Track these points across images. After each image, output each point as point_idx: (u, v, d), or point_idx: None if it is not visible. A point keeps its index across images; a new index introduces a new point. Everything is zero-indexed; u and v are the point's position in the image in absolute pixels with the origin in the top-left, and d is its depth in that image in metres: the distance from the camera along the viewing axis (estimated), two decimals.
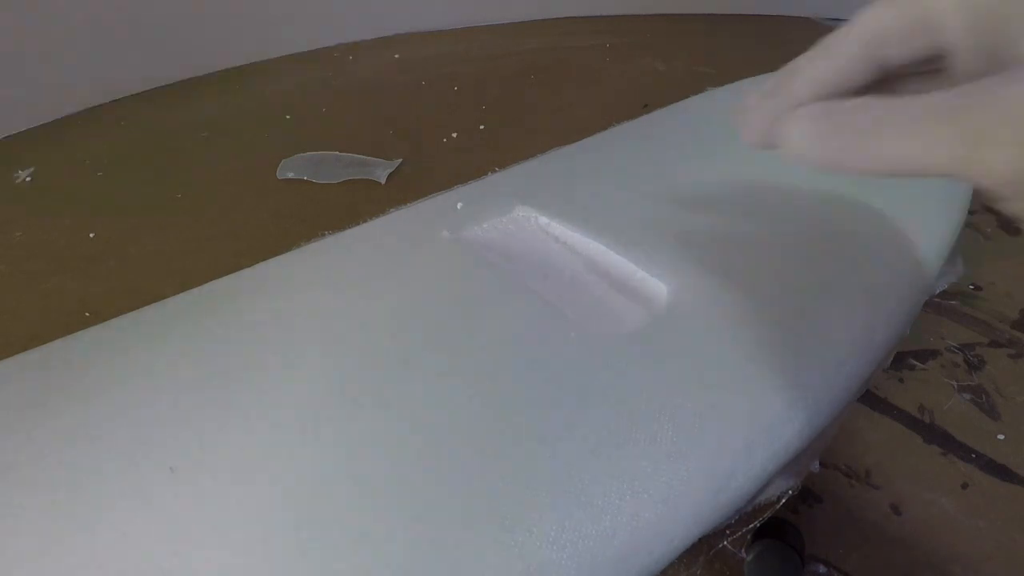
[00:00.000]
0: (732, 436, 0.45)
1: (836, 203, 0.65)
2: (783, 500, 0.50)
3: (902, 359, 0.62)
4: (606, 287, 0.58)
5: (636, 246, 0.59)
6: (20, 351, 0.53)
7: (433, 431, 0.45)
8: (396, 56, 1.21)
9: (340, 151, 0.93)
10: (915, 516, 0.50)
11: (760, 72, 0.96)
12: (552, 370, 0.48)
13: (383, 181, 0.87)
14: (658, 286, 0.56)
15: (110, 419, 0.46)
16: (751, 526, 0.48)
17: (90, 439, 0.45)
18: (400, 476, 0.42)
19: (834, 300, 0.55)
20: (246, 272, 0.60)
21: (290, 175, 0.89)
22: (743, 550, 0.47)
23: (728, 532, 0.48)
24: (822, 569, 0.47)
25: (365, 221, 0.68)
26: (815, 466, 0.52)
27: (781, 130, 0.27)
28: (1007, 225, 0.79)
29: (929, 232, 0.63)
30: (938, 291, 0.68)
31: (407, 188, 0.84)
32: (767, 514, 0.49)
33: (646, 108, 0.98)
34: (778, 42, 1.28)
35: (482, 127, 0.99)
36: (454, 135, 0.97)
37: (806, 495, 0.51)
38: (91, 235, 0.79)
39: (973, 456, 0.55)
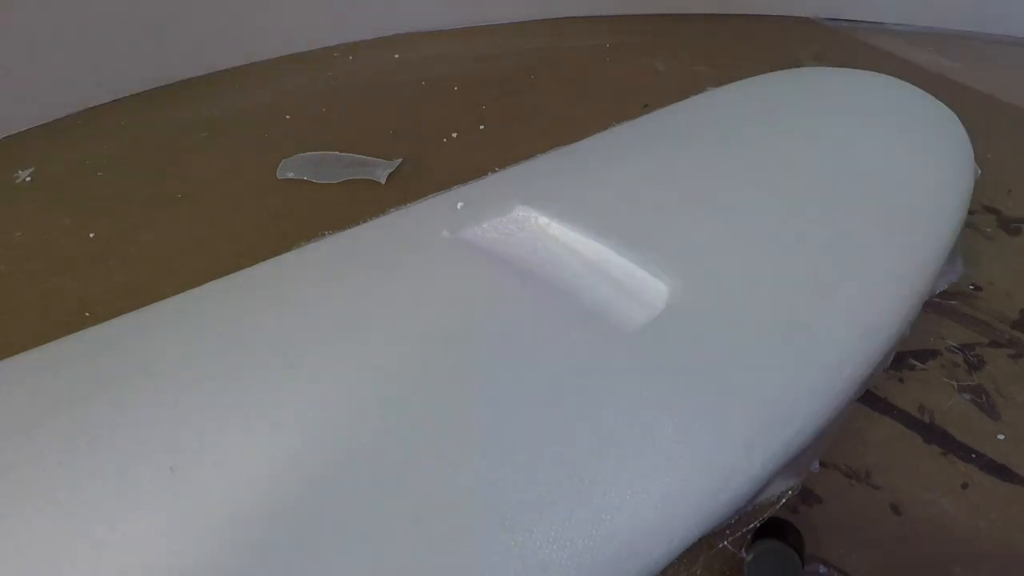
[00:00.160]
0: (732, 436, 0.45)
1: (836, 204, 0.65)
2: (783, 500, 0.50)
3: (902, 359, 0.62)
4: (606, 287, 0.58)
5: (636, 246, 0.59)
6: (20, 351, 0.53)
7: (433, 431, 0.45)
8: (396, 56, 1.21)
9: (340, 151, 0.93)
10: (915, 516, 0.50)
11: (760, 72, 0.96)
12: (552, 370, 0.48)
13: (383, 181, 0.87)
14: (658, 286, 0.56)
15: (110, 419, 0.46)
16: (751, 526, 0.48)
17: (90, 439, 0.45)
18: (400, 476, 0.42)
19: (834, 300, 0.55)
20: (246, 272, 0.60)
21: (290, 175, 0.88)
22: (743, 550, 0.47)
23: (728, 532, 0.48)
24: (822, 569, 0.47)
25: (365, 221, 0.68)
26: (815, 466, 0.52)
27: None
28: (1007, 225, 0.79)
29: (929, 232, 0.63)
30: (938, 291, 0.68)
31: (407, 188, 0.84)
32: (767, 514, 0.49)
33: (646, 108, 0.98)
34: (778, 42, 1.28)
35: (482, 127, 0.99)
36: (454, 135, 0.97)
37: (806, 495, 0.51)
38: (91, 235, 0.79)
39: (973, 456, 0.54)
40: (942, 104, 0.84)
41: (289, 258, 0.62)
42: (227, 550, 0.39)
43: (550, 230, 0.63)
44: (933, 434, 0.56)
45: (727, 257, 0.58)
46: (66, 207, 0.84)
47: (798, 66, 1.03)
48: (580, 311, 0.53)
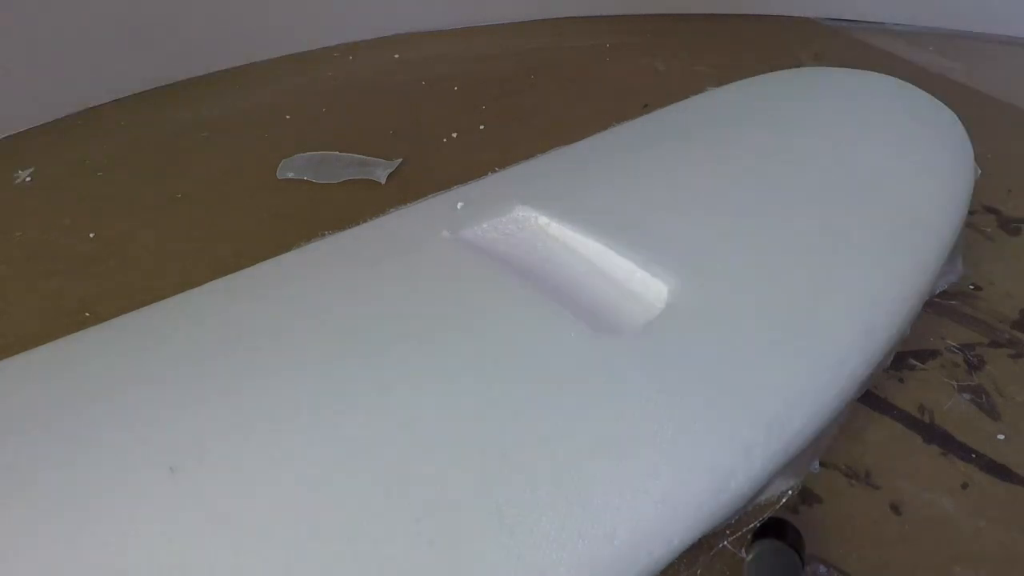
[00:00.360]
0: (732, 435, 0.45)
1: (836, 204, 0.65)
2: (783, 500, 0.50)
3: (902, 359, 0.62)
4: (606, 287, 0.58)
5: (636, 246, 0.59)
6: (20, 351, 0.53)
7: (433, 431, 0.45)
8: (396, 56, 1.21)
9: (340, 151, 0.93)
10: (915, 516, 0.50)
11: (760, 72, 0.96)
12: (552, 370, 0.48)
13: (383, 181, 0.87)
14: (658, 286, 0.56)
15: (110, 419, 0.46)
16: (751, 526, 0.48)
17: (90, 439, 0.45)
18: (400, 476, 0.42)
19: (834, 300, 0.55)
20: (246, 272, 0.60)
21: (290, 175, 0.89)
22: (743, 550, 0.47)
23: (728, 532, 0.48)
24: (822, 569, 0.47)
25: (365, 221, 0.68)
26: (815, 466, 0.52)
27: None
28: (1007, 225, 0.79)
29: (929, 232, 0.63)
30: (938, 291, 0.68)
31: (407, 188, 0.84)
32: (767, 514, 0.49)
33: (646, 108, 0.98)
34: (778, 42, 1.28)
35: (482, 127, 0.99)
36: (454, 135, 0.97)
37: (806, 495, 0.51)
38: (91, 235, 0.79)
39: (973, 456, 0.54)
40: (942, 104, 0.84)
41: (289, 258, 0.62)
42: (227, 550, 0.39)
43: (550, 230, 0.63)
44: (933, 434, 0.56)
45: (727, 257, 0.58)
46: (66, 207, 0.84)
47: (798, 66, 1.03)
48: (580, 311, 0.53)
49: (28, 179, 0.89)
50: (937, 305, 0.68)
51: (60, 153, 0.95)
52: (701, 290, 0.55)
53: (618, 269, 0.58)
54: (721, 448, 0.44)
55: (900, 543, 0.49)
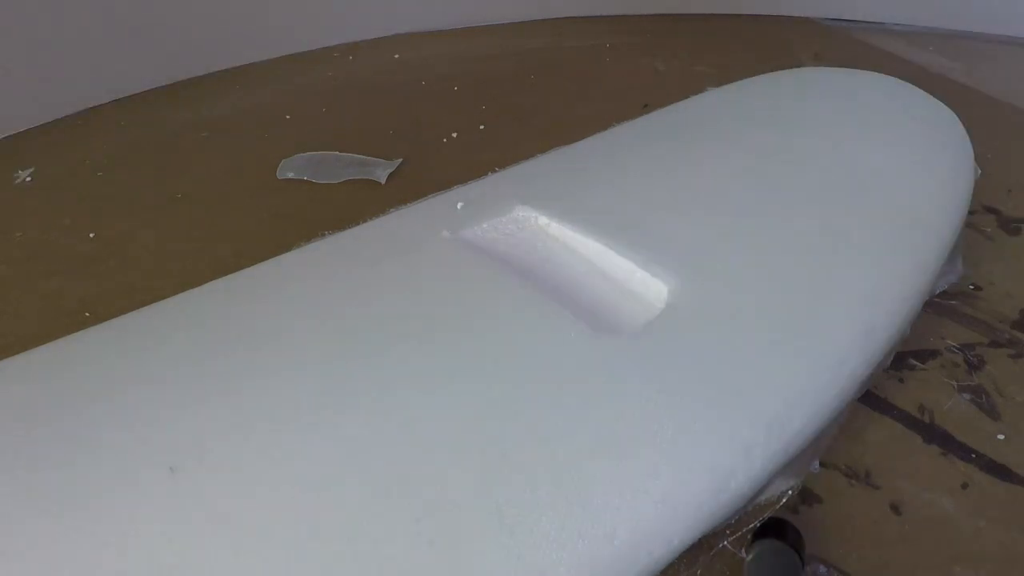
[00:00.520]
0: (732, 435, 0.45)
1: (836, 203, 0.65)
2: (783, 500, 0.50)
3: (902, 359, 0.62)
4: (606, 287, 0.58)
5: (636, 246, 0.59)
6: (20, 351, 0.53)
7: (433, 431, 0.45)
8: (396, 56, 1.21)
9: (340, 151, 0.93)
10: (915, 516, 0.50)
11: (760, 72, 0.96)
12: (552, 370, 0.48)
13: (383, 181, 0.87)
14: (658, 286, 0.56)
15: (110, 419, 0.46)
16: (751, 526, 0.48)
17: (90, 439, 0.45)
18: (400, 476, 0.42)
19: (834, 300, 0.55)
20: (246, 272, 0.60)
21: (290, 175, 0.89)
22: (743, 550, 0.47)
23: (728, 532, 0.48)
24: (822, 569, 0.47)
25: (365, 221, 0.68)
26: (815, 466, 0.52)
27: None
28: (1007, 225, 0.79)
29: (929, 232, 0.63)
30: (938, 291, 0.68)
31: (407, 188, 0.84)
32: (767, 514, 0.49)
33: (646, 108, 0.98)
34: (778, 42, 1.28)
35: (482, 127, 0.99)
36: (454, 135, 0.97)
37: (806, 495, 0.51)
38: (91, 235, 0.79)
39: (973, 456, 0.54)
40: (942, 104, 0.84)
41: (289, 258, 0.62)
42: (227, 550, 0.39)
43: (550, 230, 0.63)
44: (933, 434, 0.56)
45: (727, 257, 0.58)
46: (66, 207, 0.84)
47: (798, 66, 1.03)
48: (580, 311, 0.53)
49: (28, 179, 0.89)
50: (937, 305, 0.68)
51: (60, 153, 0.95)
52: (701, 290, 0.55)
53: (618, 269, 0.58)
54: (721, 448, 0.44)
55: (900, 543, 0.49)
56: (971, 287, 0.70)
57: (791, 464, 0.49)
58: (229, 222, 0.81)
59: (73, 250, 0.77)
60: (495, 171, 0.76)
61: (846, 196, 0.66)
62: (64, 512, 0.41)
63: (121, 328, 0.55)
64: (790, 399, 0.48)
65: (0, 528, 0.40)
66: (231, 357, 0.51)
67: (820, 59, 1.19)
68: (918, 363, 0.62)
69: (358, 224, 0.67)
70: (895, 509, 0.51)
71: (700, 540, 0.44)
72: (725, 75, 1.00)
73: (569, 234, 0.62)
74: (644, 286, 0.56)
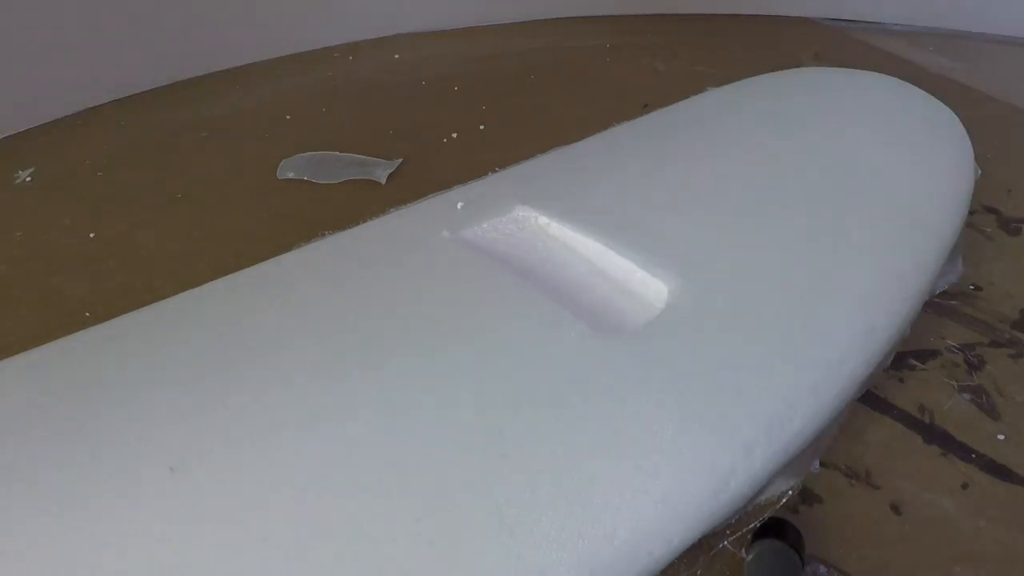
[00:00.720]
0: (732, 436, 0.45)
1: (836, 203, 0.66)
2: (783, 500, 0.50)
3: (902, 359, 0.62)
4: (606, 287, 0.58)
5: (636, 246, 0.59)
6: (20, 351, 0.53)
7: (433, 431, 0.45)
8: (396, 56, 1.21)
9: (340, 151, 0.93)
10: (915, 516, 0.50)
11: (760, 72, 0.96)
12: (552, 370, 0.48)
13: (383, 181, 0.87)
14: (658, 286, 0.56)
15: (110, 419, 0.46)
16: (751, 526, 0.48)
17: (90, 439, 0.45)
18: (400, 476, 0.42)
19: (834, 300, 0.55)
20: (246, 272, 0.60)
21: (290, 175, 0.88)
22: (743, 550, 0.47)
23: (728, 532, 0.48)
24: (822, 569, 0.47)
25: (365, 221, 0.68)
26: (815, 466, 0.52)
27: None
28: (1007, 225, 0.79)
29: (929, 232, 0.63)
30: (938, 291, 0.68)
31: (407, 188, 0.84)
32: (767, 514, 0.49)
33: (646, 108, 0.98)
34: (778, 42, 1.28)
35: (482, 127, 0.99)
36: (454, 135, 0.97)
37: (806, 495, 0.51)
38: (91, 235, 0.79)
39: (973, 456, 0.54)
40: (942, 104, 0.84)
41: (289, 258, 0.62)
42: (227, 550, 0.39)
43: (550, 230, 0.63)
44: (933, 434, 0.56)
45: (727, 257, 0.58)
46: (66, 207, 0.84)
47: (798, 66, 1.03)
48: (580, 311, 0.53)
49: (28, 179, 0.89)
50: (937, 305, 0.68)
51: (60, 153, 0.95)
52: (701, 290, 0.55)
53: (618, 269, 0.58)
54: (721, 448, 0.44)
55: (900, 543, 0.49)
56: (971, 287, 0.70)
57: (791, 464, 0.49)
58: (229, 222, 0.81)
59: (73, 250, 0.77)
60: (495, 171, 0.76)
61: (846, 196, 0.66)
62: (64, 512, 0.41)
63: (121, 328, 0.55)
64: (790, 399, 0.48)
65: (0, 528, 0.40)
66: (231, 357, 0.51)
67: (820, 59, 1.19)
68: (918, 363, 0.62)
69: (358, 224, 0.67)
70: (895, 509, 0.51)
71: (700, 540, 0.44)
72: (725, 75, 1.00)
73: (569, 234, 0.62)
74: (644, 286, 0.56)
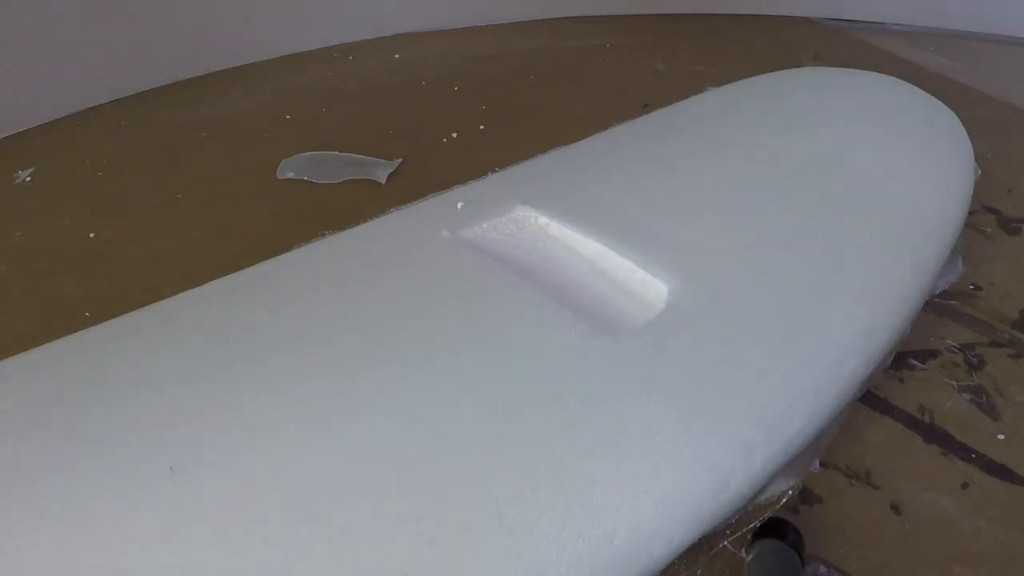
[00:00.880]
0: (732, 436, 0.45)
1: (836, 203, 0.66)
2: (783, 500, 0.50)
3: (902, 359, 0.62)
4: (606, 287, 0.58)
5: (636, 246, 0.59)
6: (20, 351, 0.53)
7: (433, 431, 0.45)
8: (396, 56, 1.21)
9: (340, 151, 0.93)
10: (915, 516, 0.50)
11: (760, 72, 0.96)
12: (552, 370, 0.48)
13: (383, 181, 0.87)
14: (658, 286, 0.56)
15: (110, 419, 0.46)
16: (751, 526, 0.48)
17: (90, 439, 0.45)
18: (400, 476, 0.42)
19: (834, 300, 0.55)
20: (246, 272, 0.60)
21: (290, 175, 0.88)
22: (743, 550, 0.47)
23: (728, 532, 0.48)
24: (822, 569, 0.47)
25: (365, 221, 0.68)
26: (815, 466, 0.52)
27: None
28: (1007, 225, 0.79)
29: (929, 232, 0.63)
30: (938, 291, 0.68)
31: (407, 188, 0.84)
32: (767, 514, 0.49)
33: (646, 108, 0.98)
34: (778, 42, 1.28)
35: (482, 127, 0.99)
36: (454, 135, 0.97)
37: (806, 495, 0.51)
38: (91, 235, 0.79)
39: (973, 456, 0.54)
40: (942, 104, 0.84)
41: (289, 258, 0.62)
42: (227, 550, 0.39)
43: (550, 230, 0.63)
44: (933, 434, 0.56)
45: (727, 257, 0.58)
46: (66, 207, 0.84)
47: (798, 66, 1.03)
48: (580, 311, 0.53)
49: (28, 179, 0.89)
50: (937, 305, 0.68)
51: (60, 153, 0.95)
52: (701, 290, 0.55)
53: (618, 269, 0.58)
54: (721, 448, 0.44)
55: (900, 543, 0.49)
56: (971, 287, 0.70)
57: (791, 464, 0.49)
58: (229, 222, 0.81)
59: (73, 250, 0.77)
60: (495, 171, 0.76)
61: (846, 196, 0.66)
62: (64, 512, 0.41)
63: (121, 328, 0.55)
64: (790, 399, 0.48)
65: (0, 528, 0.40)
66: (231, 357, 0.51)
67: (820, 59, 1.19)
68: (918, 363, 0.62)
69: (358, 224, 0.67)
70: (895, 509, 0.51)
71: (700, 540, 0.44)
72: (725, 75, 1.00)
73: (569, 234, 0.62)
74: (644, 286, 0.56)
